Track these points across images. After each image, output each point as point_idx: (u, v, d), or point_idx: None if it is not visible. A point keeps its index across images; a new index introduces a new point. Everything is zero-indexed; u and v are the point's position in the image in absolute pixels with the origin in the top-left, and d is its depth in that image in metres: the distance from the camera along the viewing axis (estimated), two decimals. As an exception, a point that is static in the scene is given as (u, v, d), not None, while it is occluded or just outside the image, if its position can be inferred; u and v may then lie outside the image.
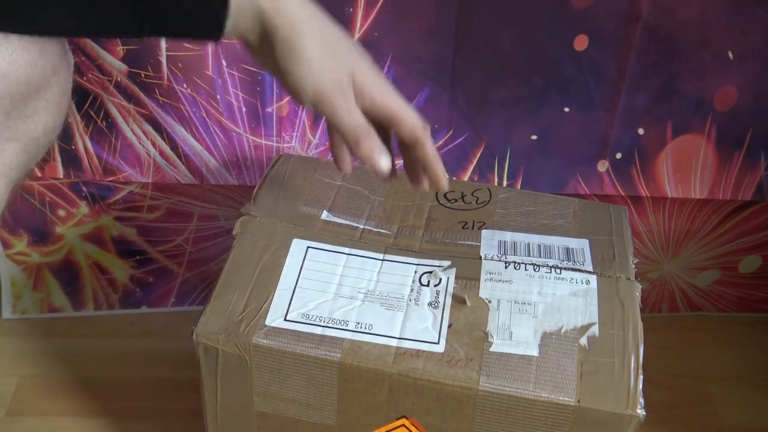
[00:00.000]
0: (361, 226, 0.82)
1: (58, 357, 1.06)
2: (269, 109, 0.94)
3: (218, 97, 0.92)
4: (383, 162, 0.67)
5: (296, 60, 0.62)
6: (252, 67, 0.91)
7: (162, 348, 1.08)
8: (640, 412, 0.67)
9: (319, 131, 0.96)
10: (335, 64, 0.63)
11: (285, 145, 0.96)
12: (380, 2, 0.87)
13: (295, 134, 0.96)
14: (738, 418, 1.03)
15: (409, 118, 0.68)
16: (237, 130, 0.95)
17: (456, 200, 0.86)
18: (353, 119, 0.65)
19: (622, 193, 0.99)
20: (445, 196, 0.87)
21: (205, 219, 1.04)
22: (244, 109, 0.94)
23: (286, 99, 0.93)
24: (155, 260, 1.07)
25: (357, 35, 0.89)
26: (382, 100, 0.67)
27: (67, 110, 0.66)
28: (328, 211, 0.83)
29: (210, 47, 0.89)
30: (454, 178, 0.97)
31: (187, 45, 0.88)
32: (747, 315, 1.16)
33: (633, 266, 0.79)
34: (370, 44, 0.89)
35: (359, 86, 0.65)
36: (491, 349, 0.71)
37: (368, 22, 0.88)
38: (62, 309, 1.10)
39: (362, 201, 0.85)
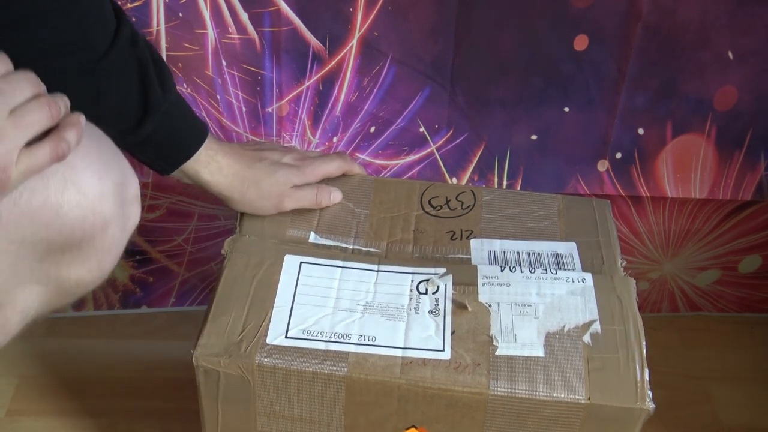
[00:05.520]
0: (350, 247, 0.82)
1: (58, 357, 1.06)
2: (269, 109, 0.94)
3: (218, 97, 0.92)
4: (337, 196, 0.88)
5: (239, 209, 0.86)
6: (252, 67, 0.91)
7: (162, 348, 1.08)
8: (650, 404, 0.68)
9: (319, 131, 0.96)
10: (266, 201, 0.85)
11: (285, 145, 0.96)
12: (380, 2, 0.87)
13: (295, 134, 0.96)
14: (738, 418, 1.03)
15: (333, 169, 0.90)
16: (237, 130, 0.95)
17: (441, 207, 0.87)
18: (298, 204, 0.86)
19: (622, 193, 0.99)
20: (429, 202, 0.87)
21: (205, 219, 1.04)
22: (244, 109, 0.94)
23: (286, 99, 0.93)
24: (155, 260, 1.07)
25: (357, 35, 0.89)
26: (313, 177, 0.88)
27: (111, 269, 0.64)
28: (315, 232, 0.84)
29: (210, 47, 0.89)
30: (437, 183, 0.96)
31: (187, 45, 0.88)
32: (747, 315, 1.16)
33: (621, 267, 0.80)
34: (370, 44, 0.89)
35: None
36: (497, 353, 0.71)
37: (368, 22, 0.88)
38: (62, 309, 1.10)
39: (348, 216, 0.85)
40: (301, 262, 0.79)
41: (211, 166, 0.82)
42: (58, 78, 0.68)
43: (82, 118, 0.58)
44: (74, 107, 0.73)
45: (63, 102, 0.57)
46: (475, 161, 0.98)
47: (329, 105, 0.94)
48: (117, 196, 0.60)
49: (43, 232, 0.57)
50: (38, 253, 0.58)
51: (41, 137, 0.55)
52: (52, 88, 0.68)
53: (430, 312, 0.74)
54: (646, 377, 0.69)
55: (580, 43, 0.89)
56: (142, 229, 1.04)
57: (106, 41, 0.70)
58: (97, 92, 0.71)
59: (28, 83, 0.55)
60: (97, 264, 0.62)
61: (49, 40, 0.66)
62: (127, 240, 0.64)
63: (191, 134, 0.80)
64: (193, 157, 0.80)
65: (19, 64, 0.68)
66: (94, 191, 0.58)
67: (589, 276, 0.77)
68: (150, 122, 0.75)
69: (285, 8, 0.87)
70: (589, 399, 0.68)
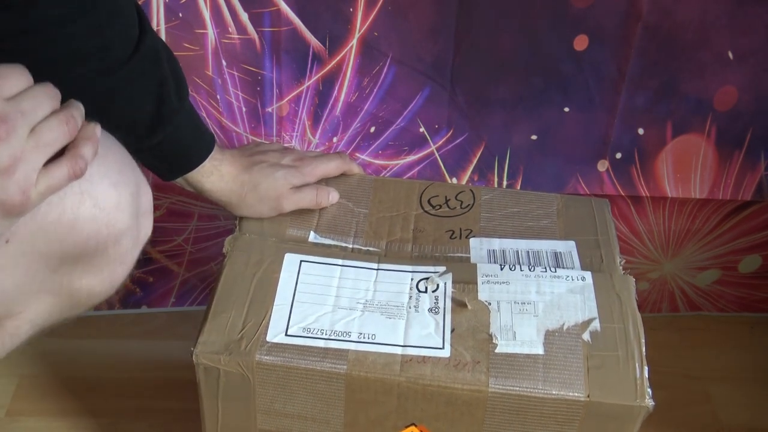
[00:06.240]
0: (350, 246, 0.82)
1: (58, 357, 1.06)
2: (269, 109, 0.94)
3: (218, 97, 0.92)
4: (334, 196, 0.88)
5: (238, 213, 0.85)
6: (252, 67, 0.91)
7: (162, 348, 1.08)
8: (649, 402, 0.68)
9: (319, 131, 0.96)
10: (265, 204, 0.84)
11: (285, 145, 0.96)
12: (380, 2, 0.87)
13: (295, 134, 0.96)
14: (738, 418, 1.03)
15: (332, 169, 0.90)
16: (237, 130, 0.95)
17: (440, 206, 0.87)
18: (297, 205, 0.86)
19: (622, 193, 0.99)
20: (429, 201, 0.87)
21: (205, 219, 1.04)
22: (244, 109, 0.94)
23: (286, 99, 0.93)
24: (155, 260, 1.07)
25: (357, 35, 0.89)
26: (312, 177, 0.88)
27: (123, 280, 0.64)
28: (315, 232, 0.84)
29: (210, 47, 0.89)
30: (436, 182, 0.96)
31: (187, 45, 0.88)
32: (747, 315, 1.16)
33: (620, 266, 0.80)
34: (370, 44, 0.89)
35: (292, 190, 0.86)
36: (497, 351, 0.71)
37: (368, 22, 0.88)
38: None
39: (348, 215, 0.86)
40: (301, 261, 0.79)
41: (214, 176, 0.82)
42: (71, 83, 0.68)
43: (97, 129, 0.57)
44: (86, 111, 0.73)
45: (79, 113, 0.57)
46: (475, 161, 0.98)
47: (329, 105, 0.94)
48: (131, 208, 0.60)
49: (58, 245, 0.57)
50: (52, 264, 0.58)
51: (59, 152, 0.55)
52: (65, 93, 0.68)
53: (430, 310, 0.74)
54: (646, 375, 0.69)
55: (580, 43, 0.89)
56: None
57: (124, 53, 0.70)
58: (111, 101, 0.71)
59: (47, 99, 0.55)
60: (109, 275, 0.62)
61: (65, 47, 0.67)
62: (139, 251, 0.64)
63: (198, 146, 0.81)
64: (197, 168, 0.81)
65: (33, 68, 0.68)
66: (110, 204, 0.58)
67: (588, 274, 0.77)
68: (160, 133, 0.76)
69: (285, 8, 0.87)
70: (588, 396, 0.68)
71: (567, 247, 0.82)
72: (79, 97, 0.70)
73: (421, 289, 0.76)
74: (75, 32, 0.66)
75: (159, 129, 0.75)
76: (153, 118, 0.74)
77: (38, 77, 0.69)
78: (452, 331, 0.73)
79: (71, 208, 0.56)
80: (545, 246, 0.82)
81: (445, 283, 0.76)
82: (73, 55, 0.67)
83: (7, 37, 0.64)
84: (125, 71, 0.70)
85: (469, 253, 0.81)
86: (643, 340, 0.72)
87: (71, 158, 0.54)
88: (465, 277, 0.77)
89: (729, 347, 1.13)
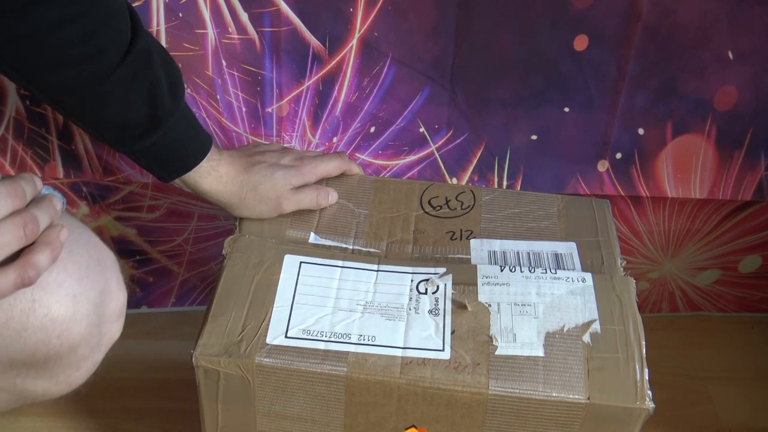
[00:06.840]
0: (350, 247, 0.82)
1: (58, 357, 1.06)
2: (269, 109, 0.94)
3: (218, 97, 0.92)
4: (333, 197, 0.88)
5: (238, 214, 0.85)
6: (252, 67, 0.91)
7: (162, 348, 1.08)
8: (649, 404, 0.68)
9: (319, 131, 0.96)
10: (264, 205, 0.84)
11: (285, 145, 0.96)
12: (380, 2, 0.87)
13: (295, 134, 0.96)
14: (738, 418, 1.03)
15: (331, 169, 0.90)
16: (237, 130, 0.95)
17: (441, 207, 0.87)
18: (298, 206, 0.85)
19: (622, 193, 0.99)
20: (429, 202, 0.87)
21: (205, 219, 1.04)
22: (244, 109, 0.94)
23: (286, 99, 0.93)
24: (155, 260, 1.07)
25: (357, 35, 0.89)
26: (311, 177, 0.87)
27: (82, 381, 0.62)
28: (315, 233, 0.84)
29: (210, 47, 0.89)
30: (437, 183, 0.96)
31: (187, 45, 0.88)
32: (747, 315, 1.16)
33: (621, 267, 0.80)
34: (370, 44, 0.89)
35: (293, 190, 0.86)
36: (497, 353, 0.71)
37: (368, 22, 0.88)
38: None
39: (348, 216, 0.86)
40: (300, 262, 0.79)
41: (211, 176, 0.82)
42: (64, 86, 0.68)
43: (63, 233, 0.55)
44: (79, 113, 0.73)
45: (46, 214, 0.54)
46: (475, 161, 0.98)
47: (329, 105, 0.94)
48: (92, 317, 0.57)
49: (2, 351, 0.54)
50: (2, 367, 0.56)
51: (16, 254, 0.52)
52: (59, 95, 0.68)
53: (430, 312, 0.74)
54: (646, 377, 0.70)
55: (580, 43, 0.89)
56: (142, 229, 1.04)
57: (116, 57, 0.70)
58: (103, 103, 0.71)
59: (7, 198, 0.51)
60: (65, 379, 0.60)
61: (59, 51, 0.67)
62: (101, 356, 0.61)
63: (194, 148, 0.81)
64: (193, 169, 0.81)
65: (26, 71, 0.68)
66: (63, 315, 0.55)
67: (588, 276, 0.78)
68: (153, 135, 0.76)
69: (285, 8, 0.87)
70: (588, 399, 0.68)
71: (568, 249, 0.82)
72: (72, 99, 0.70)
73: (421, 291, 0.76)
74: (70, 36, 0.66)
75: (153, 131, 0.75)
76: (146, 120, 0.74)
77: (32, 80, 0.69)
78: (452, 332, 0.73)
79: (20, 315, 0.53)
80: (546, 247, 0.82)
81: (446, 285, 0.76)
82: (66, 59, 0.67)
83: (2, 42, 0.64)
84: (117, 74, 0.70)
85: (470, 255, 0.81)
86: (644, 342, 0.72)
87: (21, 266, 0.51)
88: (465, 278, 0.77)
89: (729, 347, 1.13)
